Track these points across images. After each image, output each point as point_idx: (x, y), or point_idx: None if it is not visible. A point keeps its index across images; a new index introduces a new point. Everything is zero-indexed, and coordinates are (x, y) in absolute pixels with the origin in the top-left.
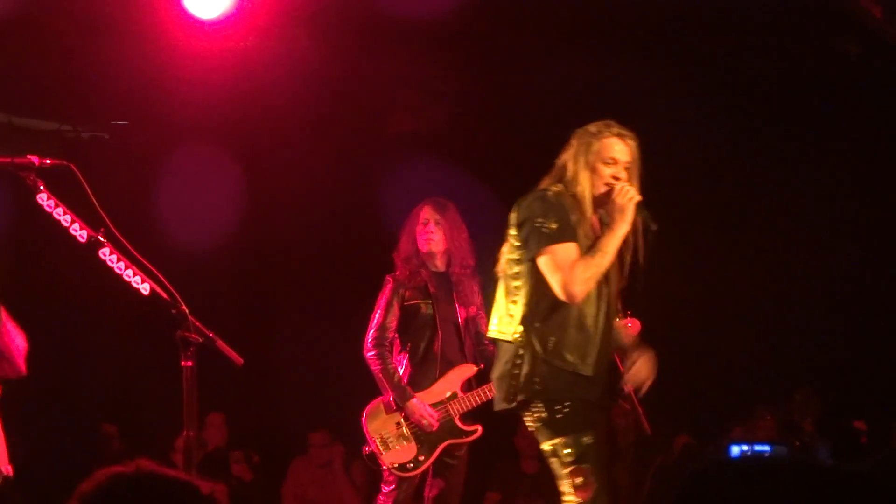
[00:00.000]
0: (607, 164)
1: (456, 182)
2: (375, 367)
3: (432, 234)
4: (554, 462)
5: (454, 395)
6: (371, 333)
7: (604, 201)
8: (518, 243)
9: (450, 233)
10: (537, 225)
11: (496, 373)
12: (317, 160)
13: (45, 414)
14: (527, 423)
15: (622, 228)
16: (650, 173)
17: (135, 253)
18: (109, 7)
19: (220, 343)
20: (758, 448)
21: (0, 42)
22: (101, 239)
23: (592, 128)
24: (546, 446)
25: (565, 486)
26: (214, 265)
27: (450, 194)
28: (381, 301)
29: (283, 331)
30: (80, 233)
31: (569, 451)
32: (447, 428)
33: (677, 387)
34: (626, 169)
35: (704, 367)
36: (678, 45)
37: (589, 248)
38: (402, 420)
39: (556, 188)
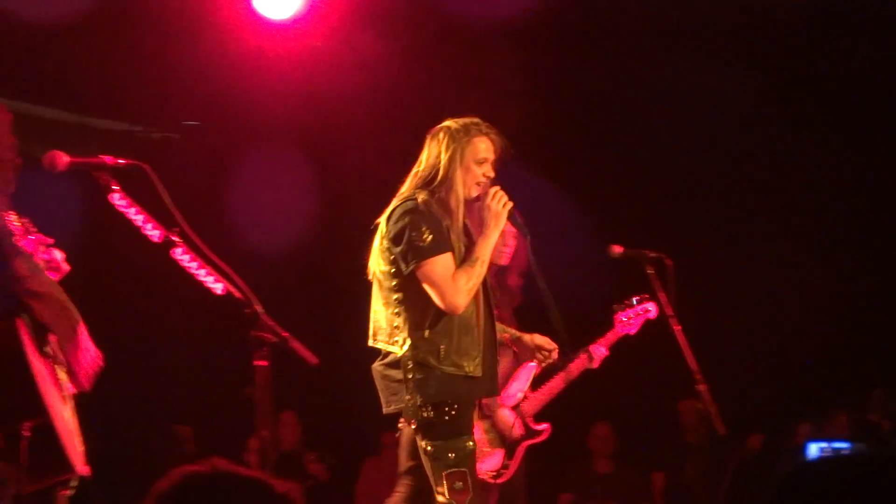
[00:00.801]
0: (479, 163)
1: (524, 183)
2: None
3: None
4: (434, 464)
5: (524, 396)
6: None
7: (472, 202)
8: (393, 257)
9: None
10: (412, 238)
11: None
12: (386, 160)
13: (121, 415)
14: (404, 423)
15: (495, 234)
16: (717, 169)
17: (208, 252)
18: (179, 9)
19: (294, 342)
20: (836, 446)
21: (72, 43)
22: (175, 238)
23: (460, 126)
24: (428, 447)
25: (442, 489)
26: (287, 264)
27: (518, 196)
28: None
29: (356, 330)
30: (153, 232)
31: (452, 454)
32: (525, 430)
33: (750, 385)
34: (492, 165)
35: (777, 365)
36: (750, 47)
37: (464, 254)
38: (490, 426)
39: (423, 195)
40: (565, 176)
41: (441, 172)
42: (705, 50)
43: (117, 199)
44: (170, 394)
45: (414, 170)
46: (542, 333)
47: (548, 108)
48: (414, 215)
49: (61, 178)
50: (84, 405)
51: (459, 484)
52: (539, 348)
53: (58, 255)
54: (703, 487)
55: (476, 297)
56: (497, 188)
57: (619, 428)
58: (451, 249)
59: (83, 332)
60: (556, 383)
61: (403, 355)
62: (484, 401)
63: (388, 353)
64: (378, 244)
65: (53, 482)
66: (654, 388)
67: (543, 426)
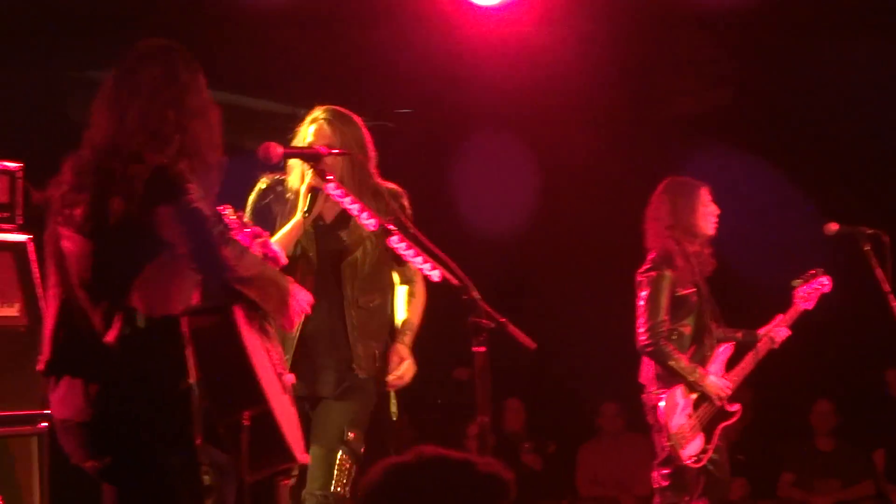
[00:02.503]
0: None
1: (737, 165)
2: (659, 358)
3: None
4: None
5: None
6: (645, 324)
7: None
8: None
9: None
10: None
11: None
12: (602, 144)
13: None
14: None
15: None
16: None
17: (424, 240)
18: None
19: (512, 328)
20: None
21: (285, 34)
22: (391, 227)
23: None
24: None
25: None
26: (504, 249)
27: (731, 178)
28: (654, 290)
29: (574, 313)
30: (368, 221)
31: None
32: (719, 412)
33: None
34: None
35: None
36: None
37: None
38: (692, 410)
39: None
40: (780, 155)
41: None
42: None
43: (332, 188)
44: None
45: None
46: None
47: (759, 87)
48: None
49: (276, 169)
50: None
51: None
52: None
53: (276, 246)
54: None
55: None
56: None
57: (841, 405)
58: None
59: (295, 297)
60: (746, 364)
61: None
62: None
63: None
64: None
65: (274, 472)
66: (873, 365)
67: (736, 407)
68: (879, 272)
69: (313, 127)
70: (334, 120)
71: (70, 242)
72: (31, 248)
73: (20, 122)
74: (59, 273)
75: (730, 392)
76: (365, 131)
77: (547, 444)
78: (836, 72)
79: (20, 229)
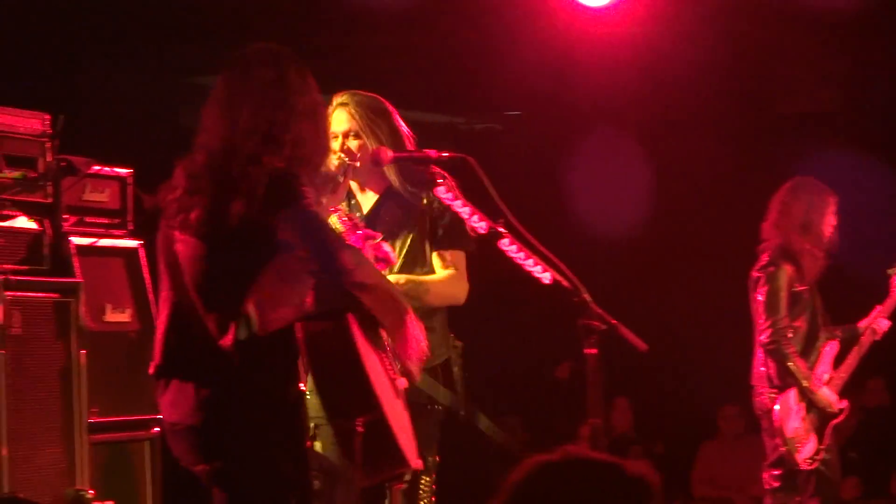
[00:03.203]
0: (335, 138)
1: (848, 164)
2: (779, 357)
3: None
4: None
5: (829, 377)
6: (766, 321)
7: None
8: None
9: None
10: None
11: None
12: (710, 142)
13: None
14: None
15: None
16: None
17: (534, 242)
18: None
19: (623, 329)
20: None
21: (393, 37)
22: (501, 230)
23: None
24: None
25: None
26: (613, 250)
27: (843, 177)
28: (772, 286)
29: (691, 315)
30: (479, 224)
31: None
32: (827, 412)
33: None
34: (354, 135)
35: None
36: None
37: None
38: (805, 413)
39: None
40: (892, 154)
41: None
42: None
43: (443, 192)
44: (494, 384)
45: None
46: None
47: (873, 86)
48: None
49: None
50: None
51: None
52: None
53: (387, 247)
54: None
55: None
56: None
57: None
58: None
59: (411, 322)
60: (851, 361)
61: None
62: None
63: None
64: None
65: (387, 477)
66: None
67: (843, 404)
68: None
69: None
70: (358, 106)
71: (184, 246)
72: (142, 253)
73: (131, 128)
74: (172, 277)
75: (840, 402)
76: (397, 118)
77: (655, 445)
78: None
79: (131, 235)
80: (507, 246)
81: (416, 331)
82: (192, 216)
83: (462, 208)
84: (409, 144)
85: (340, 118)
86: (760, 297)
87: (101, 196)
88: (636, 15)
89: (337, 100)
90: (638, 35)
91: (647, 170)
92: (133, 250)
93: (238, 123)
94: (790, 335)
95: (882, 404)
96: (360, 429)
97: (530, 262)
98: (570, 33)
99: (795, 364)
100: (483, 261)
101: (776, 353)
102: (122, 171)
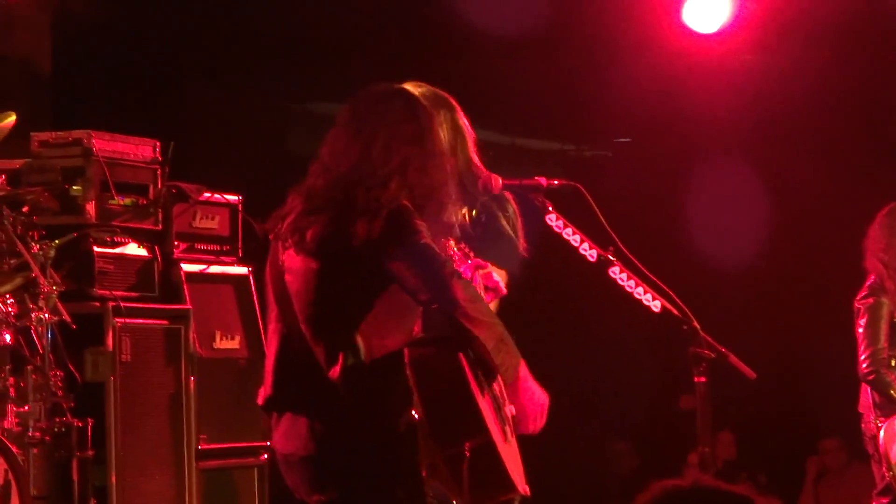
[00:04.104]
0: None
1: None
2: (880, 387)
3: None
4: None
5: None
6: (866, 351)
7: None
8: None
9: None
10: None
11: None
12: (823, 168)
13: (560, 432)
14: None
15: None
16: None
17: (644, 270)
18: (609, 26)
19: (733, 358)
20: None
21: (503, 64)
22: (611, 258)
23: (434, 99)
24: None
25: None
26: (724, 279)
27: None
28: (872, 317)
29: (802, 341)
30: (589, 252)
31: None
32: None
33: None
34: None
35: None
36: None
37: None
38: None
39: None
40: None
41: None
42: None
43: (553, 219)
44: (607, 409)
45: None
46: None
47: None
48: None
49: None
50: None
51: None
52: None
53: (497, 276)
54: None
55: None
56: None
57: None
58: None
59: (525, 372)
60: None
61: None
62: None
63: None
64: None
65: (495, 503)
66: None
67: None
68: None
69: None
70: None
71: (293, 276)
72: (251, 280)
73: (240, 154)
74: (281, 308)
75: None
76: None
77: (758, 475)
78: None
79: (241, 262)
80: (617, 274)
81: (531, 381)
82: (309, 234)
83: (572, 236)
84: None
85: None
86: (860, 329)
87: (212, 223)
88: (747, 40)
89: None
90: (749, 61)
91: (759, 197)
92: (243, 277)
93: (371, 152)
94: (893, 364)
95: None
96: (467, 454)
97: (640, 290)
98: (681, 59)
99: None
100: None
101: (876, 382)
102: (232, 197)
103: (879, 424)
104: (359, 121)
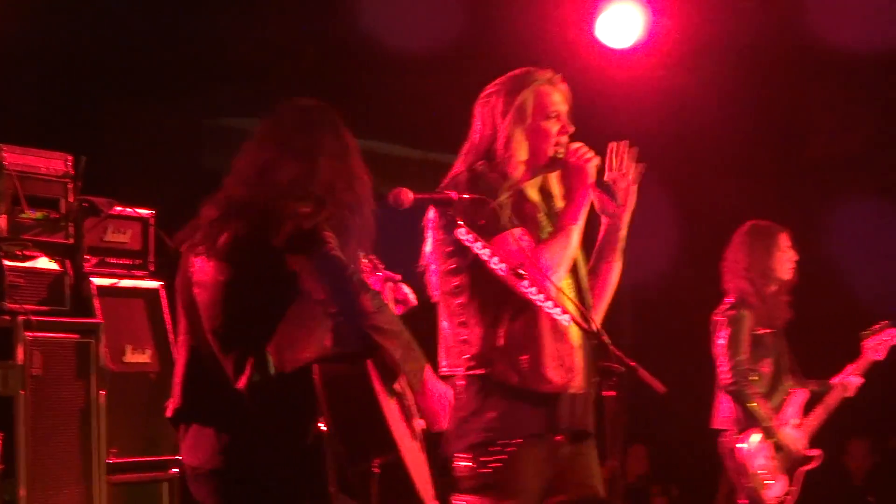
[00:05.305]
0: (550, 118)
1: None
2: (741, 399)
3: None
4: None
5: (799, 422)
6: (728, 363)
7: (547, 170)
8: (450, 248)
9: None
10: None
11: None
12: (735, 186)
13: None
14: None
15: (585, 196)
16: None
17: (553, 284)
18: (523, 41)
19: (642, 372)
20: None
21: (415, 80)
22: (521, 272)
23: (515, 77)
24: None
25: None
26: (637, 295)
27: (871, 221)
28: (733, 329)
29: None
30: (499, 266)
31: None
32: (800, 456)
33: None
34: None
35: None
36: None
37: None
38: (774, 452)
39: (479, 167)
40: None
41: (499, 137)
42: None
43: (463, 233)
44: None
45: (466, 146)
46: None
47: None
48: None
49: (407, 215)
50: None
51: None
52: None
53: (406, 289)
54: None
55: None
56: (579, 143)
57: None
58: (516, 225)
59: (430, 374)
60: (818, 414)
61: (470, 380)
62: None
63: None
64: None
65: None
66: None
67: (816, 452)
68: None
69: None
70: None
71: (201, 289)
72: (163, 294)
73: (153, 169)
74: (190, 320)
75: (804, 444)
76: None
77: (670, 488)
78: None
79: (152, 276)
80: (527, 288)
81: (435, 382)
82: (221, 239)
83: (482, 250)
84: None
85: (562, 97)
86: (721, 341)
87: (123, 237)
88: (660, 58)
89: (550, 74)
90: (663, 78)
91: (671, 214)
92: (154, 291)
93: (291, 164)
94: (754, 377)
95: None
96: (376, 470)
97: (549, 303)
98: (593, 75)
99: (757, 405)
100: None
101: (738, 394)
102: (144, 212)
103: (739, 437)
104: (281, 133)
